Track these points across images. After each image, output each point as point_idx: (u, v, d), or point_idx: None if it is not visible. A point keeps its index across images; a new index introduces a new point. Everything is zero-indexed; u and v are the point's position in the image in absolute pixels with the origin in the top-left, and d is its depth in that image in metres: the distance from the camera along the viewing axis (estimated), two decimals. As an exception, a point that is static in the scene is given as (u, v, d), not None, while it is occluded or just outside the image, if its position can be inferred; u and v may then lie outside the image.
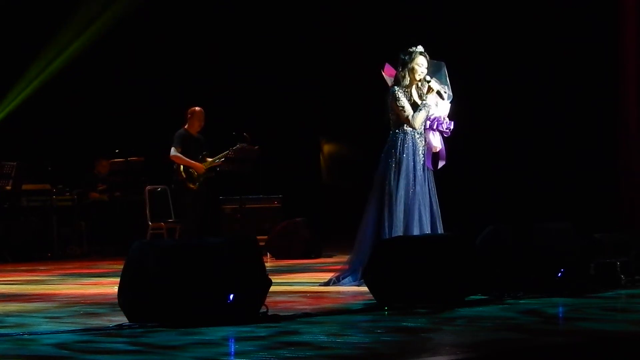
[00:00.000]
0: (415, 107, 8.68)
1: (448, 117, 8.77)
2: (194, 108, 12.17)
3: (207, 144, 12.24)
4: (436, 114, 8.73)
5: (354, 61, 16.59)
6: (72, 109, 15.46)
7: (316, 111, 17.46)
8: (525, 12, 13.93)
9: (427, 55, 8.72)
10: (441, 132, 8.76)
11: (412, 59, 8.69)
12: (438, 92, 8.67)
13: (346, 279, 8.63)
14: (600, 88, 13.31)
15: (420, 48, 8.71)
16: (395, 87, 8.72)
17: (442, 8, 14.78)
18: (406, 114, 8.65)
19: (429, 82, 8.67)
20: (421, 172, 8.67)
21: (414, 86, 8.73)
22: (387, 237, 8.43)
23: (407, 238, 8.15)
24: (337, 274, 8.84)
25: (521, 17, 13.99)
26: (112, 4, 14.76)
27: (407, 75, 8.70)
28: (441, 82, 8.78)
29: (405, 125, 8.69)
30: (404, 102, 8.66)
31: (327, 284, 8.73)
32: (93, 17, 14.76)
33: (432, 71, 8.77)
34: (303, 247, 12.90)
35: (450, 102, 8.80)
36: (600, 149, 13.30)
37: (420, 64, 8.68)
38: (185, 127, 12.13)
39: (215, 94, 15.21)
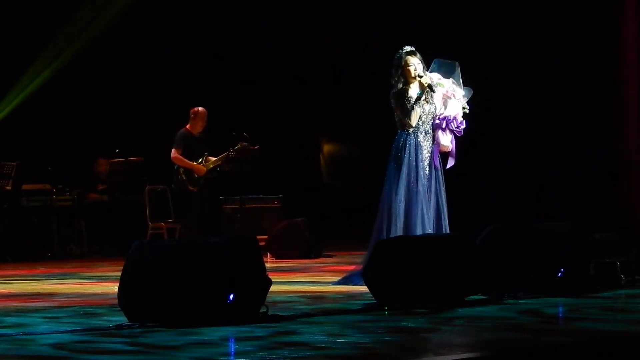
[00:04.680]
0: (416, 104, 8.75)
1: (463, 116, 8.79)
2: (197, 108, 12.16)
3: (208, 143, 12.24)
4: (446, 114, 8.76)
5: (355, 61, 16.59)
6: (72, 109, 15.44)
7: (316, 111, 17.45)
8: (525, 11, 13.91)
9: (417, 53, 8.82)
10: (452, 132, 8.78)
11: (401, 62, 8.79)
12: (429, 86, 8.70)
13: (354, 280, 8.64)
14: (601, 88, 13.30)
15: (407, 48, 8.82)
16: (393, 90, 8.81)
17: (441, 7, 14.77)
18: (402, 114, 8.71)
19: (421, 77, 8.71)
20: (424, 172, 8.70)
21: (414, 84, 8.78)
22: (386, 237, 8.46)
23: (407, 238, 8.15)
24: (347, 274, 8.94)
25: (520, 16, 13.97)
26: (112, 4, 14.75)
27: (401, 78, 8.78)
28: (456, 82, 8.80)
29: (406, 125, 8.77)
30: (400, 103, 8.74)
31: (338, 283, 8.82)
32: (93, 17, 14.75)
33: (445, 71, 8.83)
34: (303, 247, 12.90)
35: (469, 101, 8.81)
36: (600, 149, 13.29)
37: (411, 63, 8.77)
38: (188, 127, 12.14)
39: (215, 93, 15.19)
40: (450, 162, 8.83)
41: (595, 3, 13.46)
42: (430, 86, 8.71)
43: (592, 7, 13.42)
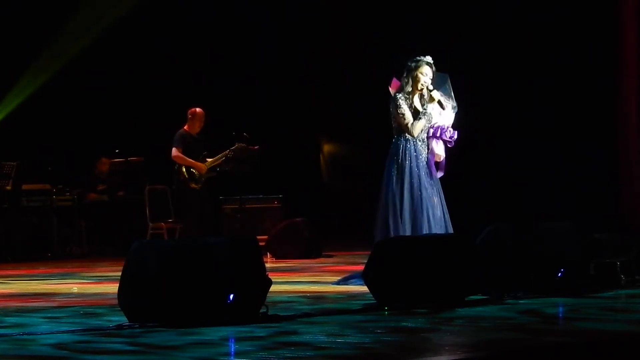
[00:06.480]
0: (416, 114, 8.67)
1: (452, 127, 8.77)
2: (195, 109, 12.19)
3: (206, 143, 12.26)
4: (439, 123, 8.73)
5: (355, 61, 16.59)
6: (73, 109, 15.46)
7: (316, 111, 17.46)
8: (525, 11, 13.92)
9: (434, 67, 8.69)
10: (444, 142, 8.76)
11: (417, 67, 8.66)
12: (439, 102, 8.65)
13: (354, 280, 8.63)
14: (601, 87, 13.31)
15: (428, 58, 8.68)
16: (398, 94, 8.72)
17: (441, 8, 14.78)
18: (406, 121, 8.65)
19: (431, 91, 8.65)
20: (426, 177, 8.65)
21: (416, 95, 8.72)
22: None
23: (407, 238, 8.15)
24: (348, 274, 8.93)
25: (520, 16, 13.98)
26: (113, 5, 14.76)
27: (410, 82, 8.69)
28: (445, 94, 8.76)
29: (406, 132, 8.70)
30: (404, 109, 8.65)
31: (338, 283, 8.81)
32: (93, 17, 14.76)
33: (437, 83, 8.76)
34: (303, 247, 12.90)
35: (455, 113, 8.79)
36: (600, 149, 13.29)
37: (425, 73, 8.64)
38: (186, 127, 12.17)
39: (215, 94, 15.20)
40: (439, 174, 8.79)
41: (595, 3, 13.46)
42: (440, 102, 8.66)
43: (592, 7, 13.42)
